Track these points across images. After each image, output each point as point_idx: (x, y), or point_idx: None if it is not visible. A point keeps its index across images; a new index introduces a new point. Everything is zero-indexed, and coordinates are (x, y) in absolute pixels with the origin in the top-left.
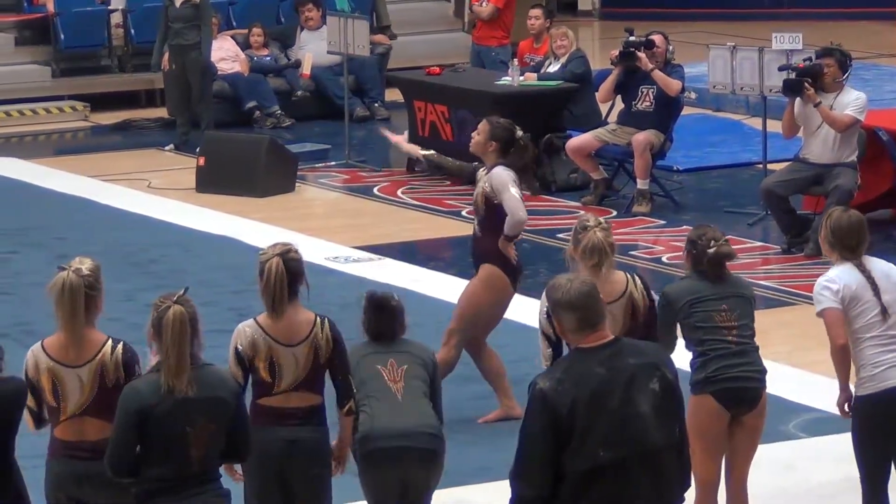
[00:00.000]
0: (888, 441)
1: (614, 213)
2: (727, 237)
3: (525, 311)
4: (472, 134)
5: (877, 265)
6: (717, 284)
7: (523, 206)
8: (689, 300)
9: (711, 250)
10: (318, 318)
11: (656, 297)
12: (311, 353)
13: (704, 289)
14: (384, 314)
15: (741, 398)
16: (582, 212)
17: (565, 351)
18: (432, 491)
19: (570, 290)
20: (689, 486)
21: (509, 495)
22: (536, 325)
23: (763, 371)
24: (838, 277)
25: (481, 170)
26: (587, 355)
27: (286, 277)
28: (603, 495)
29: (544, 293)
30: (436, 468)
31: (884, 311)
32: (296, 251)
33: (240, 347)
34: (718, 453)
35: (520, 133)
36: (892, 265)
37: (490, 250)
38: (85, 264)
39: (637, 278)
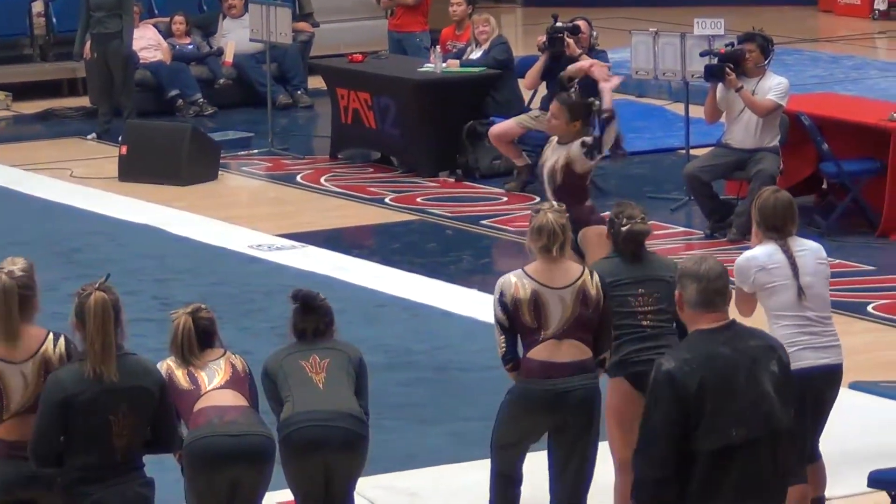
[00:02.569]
0: (804, 418)
1: (537, 199)
2: (645, 215)
3: (447, 298)
4: (548, 118)
5: (805, 245)
6: (636, 266)
7: None
8: (609, 283)
9: (625, 228)
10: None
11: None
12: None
13: (622, 271)
14: (309, 313)
15: None
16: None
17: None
18: (356, 478)
19: (700, 263)
20: (799, 473)
21: (442, 481)
22: (458, 311)
23: None
24: (754, 257)
25: (553, 141)
26: (709, 336)
27: (195, 334)
28: (735, 474)
29: (500, 283)
30: (358, 453)
31: (800, 292)
32: (206, 310)
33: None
34: (634, 435)
35: (591, 100)
36: (820, 247)
37: (579, 218)
38: (17, 265)
39: (595, 274)
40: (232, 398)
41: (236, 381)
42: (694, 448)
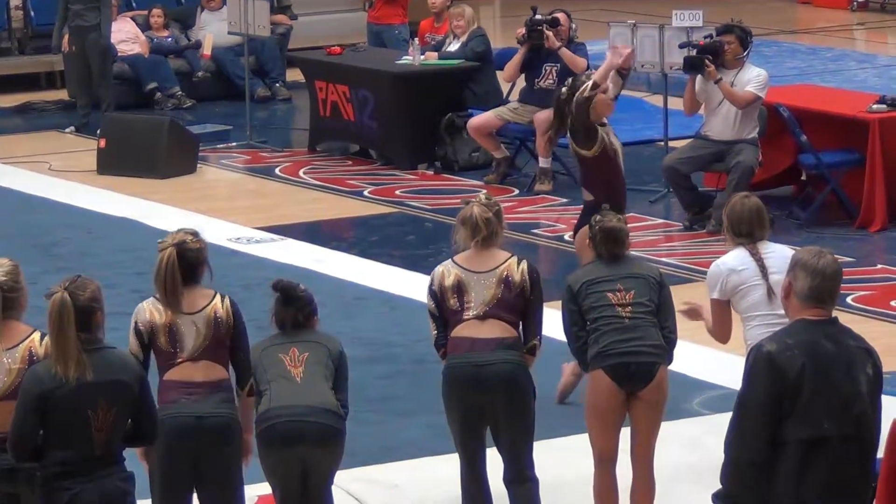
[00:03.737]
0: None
1: (516, 191)
2: (622, 215)
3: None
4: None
5: (775, 250)
6: (614, 265)
7: None
8: (586, 282)
9: (597, 226)
10: (219, 294)
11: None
12: (211, 320)
13: (600, 271)
14: (289, 304)
15: (633, 373)
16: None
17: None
18: (333, 473)
19: (819, 257)
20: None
21: (421, 473)
22: None
23: (658, 346)
24: (724, 262)
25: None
26: (813, 326)
27: (178, 269)
28: (823, 469)
29: (431, 274)
30: (334, 447)
31: (770, 292)
32: (195, 239)
33: (139, 324)
34: (614, 429)
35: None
36: (790, 249)
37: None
38: (2, 268)
39: (524, 262)
40: (203, 372)
41: (215, 346)
42: (784, 435)
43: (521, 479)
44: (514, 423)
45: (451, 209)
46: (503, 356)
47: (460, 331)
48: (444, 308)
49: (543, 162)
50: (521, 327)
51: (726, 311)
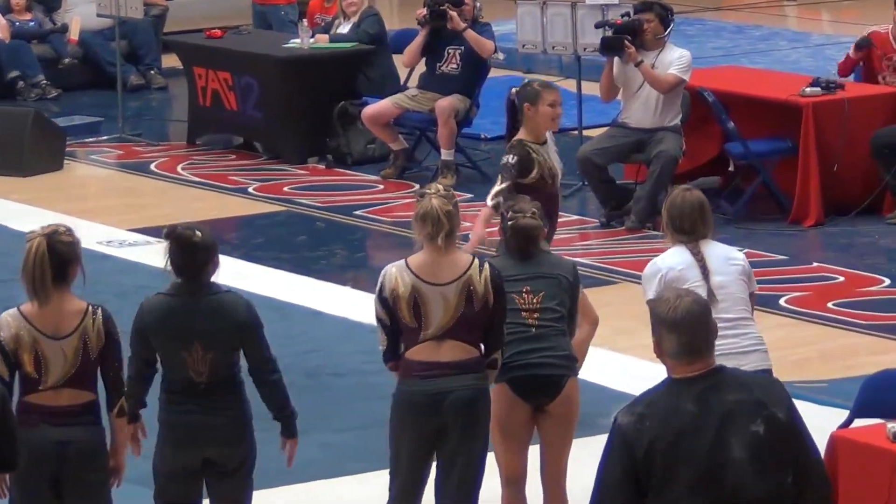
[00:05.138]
0: None
1: (416, 186)
2: (537, 210)
3: (318, 296)
4: (559, 111)
5: (715, 249)
6: (525, 263)
7: None
8: None
9: (510, 222)
10: (91, 308)
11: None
12: (80, 347)
13: (509, 269)
14: (184, 252)
15: (538, 386)
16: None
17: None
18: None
19: (677, 308)
20: None
21: (315, 498)
22: (330, 311)
23: (567, 356)
24: (662, 261)
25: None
26: (679, 388)
27: (49, 261)
28: None
29: (381, 276)
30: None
31: (710, 295)
32: (68, 233)
33: (2, 339)
34: (521, 447)
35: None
36: (734, 249)
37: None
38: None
39: (487, 266)
40: (68, 397)
41: (83, 373)
42: None
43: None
44: (471, 454)
45: (345, 206)
46: (463, 382)
47: (416, 353)
48: (396, 319)
49: (446, 154)
50: (481, 340)
51: None
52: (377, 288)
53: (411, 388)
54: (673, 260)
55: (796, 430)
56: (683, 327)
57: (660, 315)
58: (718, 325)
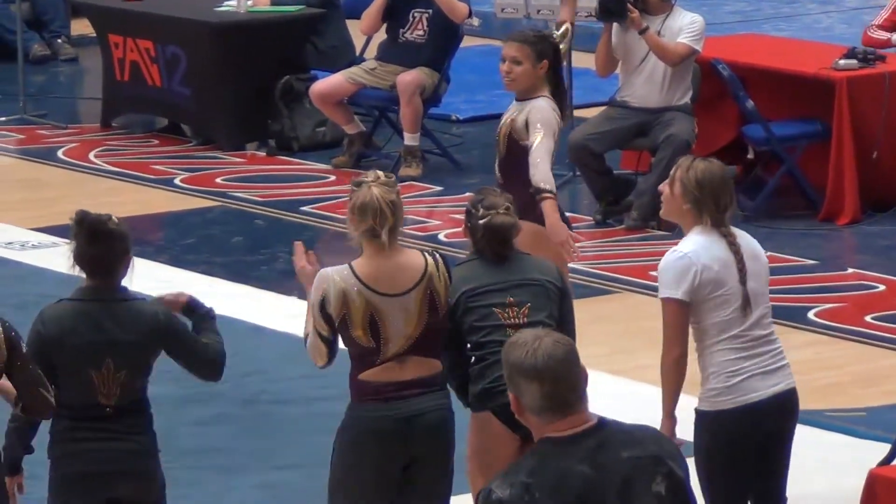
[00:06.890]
0: (747, 472)
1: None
2: (511, 204)
3: (258, 308)
4: (504, 67)
5: (744, 240)
6: (503, 269)
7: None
8: (466, 293)
9: (483, 221)
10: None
11: None
12: None
13: (483, 276)
14: (98, 242)
15: None
16: (332, 177)
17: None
18: None
19: (536, 351)
20: None
21: None
22: (272, 325)
23: None
24: (696, 254)
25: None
26: (563, 449)
27: None
28: None
29: (318, 278)
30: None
31: (745, 304)
32: None
33: None
34: None
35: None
36: (754, 241)
37: (524, 206)
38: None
39: (439, 259)
40: None
41: None
42: None
43: None
44: (441, 487)
45: (288, 201)
46: (432, 402)
47: (375, 375)
48: (346, 336)
49: (410, 139)
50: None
51: (685, 316)
52: (317, 298)
53: (373, 413)
54: (708, 255)
55: (688, 486)
56: (546, 374)
57: (514, 362)
58: (748, 343)
